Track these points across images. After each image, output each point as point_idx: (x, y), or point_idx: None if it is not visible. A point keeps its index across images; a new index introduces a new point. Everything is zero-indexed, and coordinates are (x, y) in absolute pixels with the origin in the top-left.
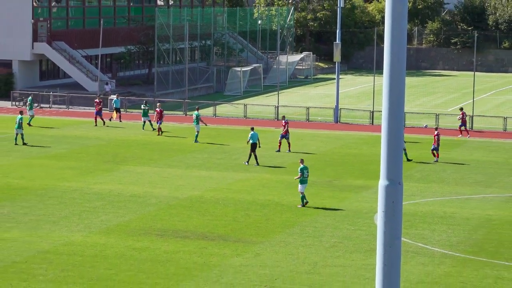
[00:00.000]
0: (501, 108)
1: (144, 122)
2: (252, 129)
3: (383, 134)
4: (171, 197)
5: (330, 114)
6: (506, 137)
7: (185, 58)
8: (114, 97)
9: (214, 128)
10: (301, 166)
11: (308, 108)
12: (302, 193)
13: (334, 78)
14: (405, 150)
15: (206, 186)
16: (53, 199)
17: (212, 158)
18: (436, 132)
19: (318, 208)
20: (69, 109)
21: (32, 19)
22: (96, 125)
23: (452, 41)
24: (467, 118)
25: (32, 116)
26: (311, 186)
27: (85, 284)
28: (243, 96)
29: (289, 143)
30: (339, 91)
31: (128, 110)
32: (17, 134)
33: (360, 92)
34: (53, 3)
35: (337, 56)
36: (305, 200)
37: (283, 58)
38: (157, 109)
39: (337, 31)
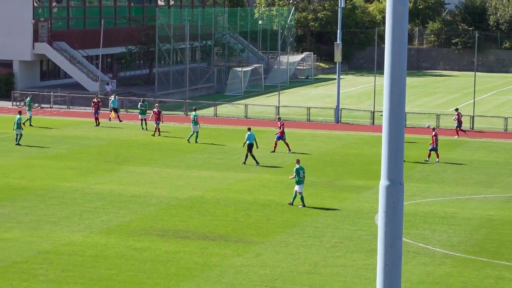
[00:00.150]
0: (502, 108)
1: (141, 120)
2: (249, 129)
3: (384, 134)
4: (172, 197)
5: (331, 114)
6: (507, 137)
7: (186, 58)
8: (113, 97)
9: (214, 128)
10: (297, 166)
11: (308, 108)
12: (300, 193)
13: (335, 78)
14: None
15: (206, 186)
16: (54, 199)
17: (213, 158)
18: (434, 133)
19: (318, 208)
20: (70, 109)
21: (33, 19)
22: (97, 125)
23: (453, 41)
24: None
25: (30, 117)
26: (312, 187)
27: (85, 284)
28: (244, 96)
29: (286, 144)
30: (340, 91)
31: (129, 110)
32: (17, 135)
33: (361, 92)
34: (54, 3)
35: (338, 56)
36: (293, 201)
37: (283, 58)
38: (155, 109)
39: (338, 31)
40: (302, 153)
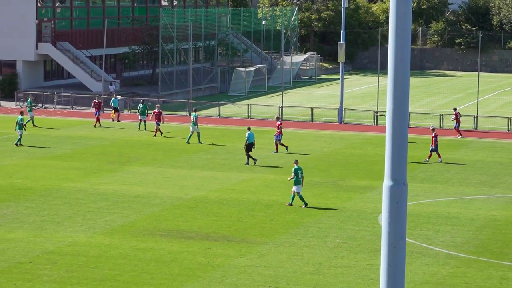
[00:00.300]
0: (505, 109)
1: (140, 121)
2: (249, 129)
3: (388, 134)
4: (175, 198)
5: (334, 114)
6: (510, 137)
7: (189, 59)
8: (114, 97)
9: (218, 129)
10: (295, 166)
11: (312, 109)
12: (298, 193)
13: (339, 79)
14: None
15: (210, 187)
16: (58, 200)
17: (216, 159)
18: (433, 134)
19: (322, 208)
20: (73, 110)
21: (36, 19)
22: (100, 125)
23: (457, 41)
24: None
25: (31, 118)
26: (315, 187)
27: (89, 284)
28: (247, 97)
29: (282, 144)
30: (344, 92)
31: (132, 110)
32: (21, 136)
33: (365, 93)
34: (57, 4)
35: (341, 57)
36: (291, 201)
37: (287, 59)
38: (155, 110)
39: (341, 31)
40: (304, 154)
